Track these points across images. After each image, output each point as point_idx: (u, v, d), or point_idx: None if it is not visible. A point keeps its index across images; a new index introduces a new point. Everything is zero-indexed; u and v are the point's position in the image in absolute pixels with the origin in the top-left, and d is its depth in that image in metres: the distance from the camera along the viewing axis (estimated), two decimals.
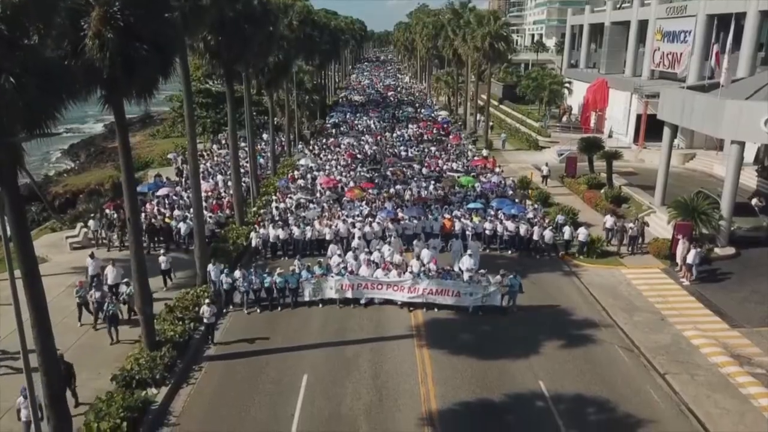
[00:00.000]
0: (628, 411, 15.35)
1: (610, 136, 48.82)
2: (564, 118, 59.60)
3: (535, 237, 26.14)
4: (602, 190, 34.44)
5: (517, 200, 31.45)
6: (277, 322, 20.40)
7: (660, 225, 28.36)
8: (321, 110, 69.74)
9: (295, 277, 21.28)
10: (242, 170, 32.67)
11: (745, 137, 25.58)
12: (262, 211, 30.70)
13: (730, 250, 25.67)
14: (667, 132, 31.54)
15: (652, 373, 17.23)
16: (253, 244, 26.20)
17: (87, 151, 67.79)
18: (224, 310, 20.90)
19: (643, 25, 52.31)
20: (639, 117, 46.56)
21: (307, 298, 21.25)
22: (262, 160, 42.00)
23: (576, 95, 59.08)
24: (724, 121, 25.64)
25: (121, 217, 26.86)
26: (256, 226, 27.07)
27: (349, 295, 21.08)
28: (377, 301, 21.21)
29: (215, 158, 44.74)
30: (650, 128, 42.92)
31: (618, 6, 58.74)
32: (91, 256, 22.05)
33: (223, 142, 50.78)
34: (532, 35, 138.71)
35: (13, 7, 10.00)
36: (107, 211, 28.34)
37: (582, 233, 25.99)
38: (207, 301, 18.98)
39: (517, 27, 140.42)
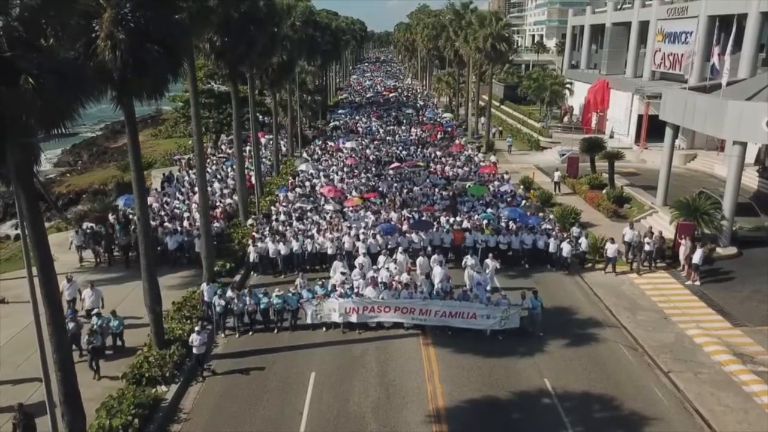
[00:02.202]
0: (633, 408, 15.53)
1: (611, 137, 49.00)
2: (565, 119, 59.86)
3: (552, 249, 24.74)
4: (604, 191, 34.64)
5: (529, 212, 29.24)
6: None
7: (662, 225, 28.51)
8: (322, 111, 69.93)
9: (295, 298, 19.65)
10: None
11: (747, 138, 25.74)
12: (251, 220, 29.03)
13: (732, 250, 25.85)
14: (669, 132, 31.71)
15: (656, 372, 17.41)
16: (251, 259, 24.30)
17: (89, 151, 68.04)
18: (218, 333, 19.39)
19: (644, 26, 52.49)
20: (640, 117, 46.75)
21: (308, 321, 19.62)
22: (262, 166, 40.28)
23: (577, 96, 59.29)
24: (726, 121, 25.79)
25: (109, 231, 25.84)
26: (251, 240, 24.93)
27: (353, 319, 19.38)
28: (386, 325, 19.66)
29: (215, 163, 42.88)
30: (651, 129, 43.14)
31: (619, 7, 58.94)
32: (68, 279, 19.90)
33: (223, 147, 49.64)
34: (533, 36, 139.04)
35: (31, 10, 10.19)
36: (91, 224, 26.36)
37: (610, 249, 24.20)
38: (197, 328, 17.16)
39: (518, 28, 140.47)
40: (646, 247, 24.52)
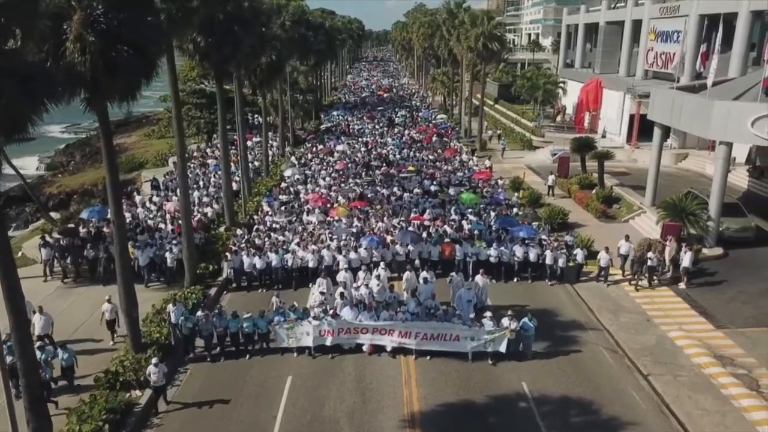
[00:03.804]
0: (610, 412, 15.42)
1: (603, 136, 48.90)
2: (558, 118, 59.70)
3: (549, 262, 23.45)
4: (593, 191, 34.51)
5: (524, 221, 27.88)
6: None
7: (649, 225, 28.43)
8: (316, 111, 69.73)
9: (265, 321, 18.20)
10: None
11: (733, 138, 25.59)
12: (227, 226, 28.06)
13: (718, 251, 25.73)
14: (657, 132, 31.59)
15: (635, 375, 17.31)
16: (224, 274, 23.14)
17: (82, 151, 67.92)
18: (186, 357, 18.10)
19: (637, 24, 52.34)
20: (632, 117, 46.64)
21: (280, 345, 18.24)
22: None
23: (571, 95, 59.17)
24: (713, 121, 25.65)
25: (76, 243, 24.28)
26: (227, 253, 23.50)
27: (329, 342, 18.03)
28: (364, 349, 18.24)
29: (205, 163, 41.89)
30: (643, 128, 42.93)
31: (612, 6, 58.81)
32: None
33: (208, 152, 47.83)
34: (529, 34, 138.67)
35: None
36: (59, 237, 24.96)
37: (603, 258, 23.15)
38: (154, 360, 15.56)
39: (514, 26, 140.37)
40: (649, 263, 22.98)
